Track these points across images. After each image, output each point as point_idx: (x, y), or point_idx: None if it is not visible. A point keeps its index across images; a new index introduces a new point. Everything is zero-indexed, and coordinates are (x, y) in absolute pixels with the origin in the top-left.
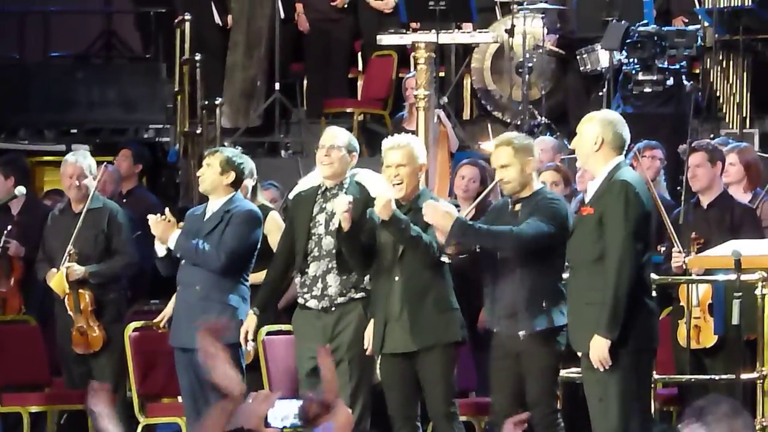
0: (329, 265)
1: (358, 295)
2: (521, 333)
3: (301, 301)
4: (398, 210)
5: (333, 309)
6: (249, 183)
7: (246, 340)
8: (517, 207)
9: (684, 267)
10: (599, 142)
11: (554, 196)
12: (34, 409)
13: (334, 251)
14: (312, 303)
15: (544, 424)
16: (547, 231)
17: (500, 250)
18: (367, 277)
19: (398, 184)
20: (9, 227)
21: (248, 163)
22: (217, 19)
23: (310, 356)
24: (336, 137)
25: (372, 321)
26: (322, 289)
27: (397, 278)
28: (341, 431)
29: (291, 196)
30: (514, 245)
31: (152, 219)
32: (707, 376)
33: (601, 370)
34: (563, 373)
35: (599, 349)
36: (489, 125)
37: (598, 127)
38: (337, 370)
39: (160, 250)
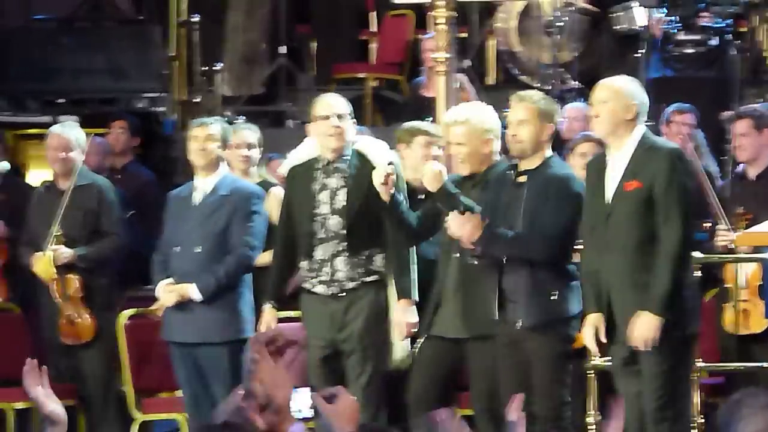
0: (338, 248)
1: (370, 279)
2: (520, 323)
3: (308, 286)
4: (449, 182)
5: (342, 295)
6: (255, 154)
7: None
8: (522, 178)
9: (730, 245)
10: (633, 111)
11: (566, 173)
12: (19, 405)
13: (343, 232)
14: (320, 288)
15: (549, 417)
16: (570, 219)
17: (531, 258)
18: (380, 258)
19: (462, 162)
20: None
21: (256, 133)
22: None
23: (320, 345)
24: (339, 105)
25: (397, 303)
26: (331, 274)
27: (456, 255)
28: (345, 420)
29: (283, 171)
30: (546, 251)
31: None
32: (756, 364)
33: (643, 349)
34: (598, 361)
35: (648, 328)
36: None
37: (629, 95)
38: (347, 362)
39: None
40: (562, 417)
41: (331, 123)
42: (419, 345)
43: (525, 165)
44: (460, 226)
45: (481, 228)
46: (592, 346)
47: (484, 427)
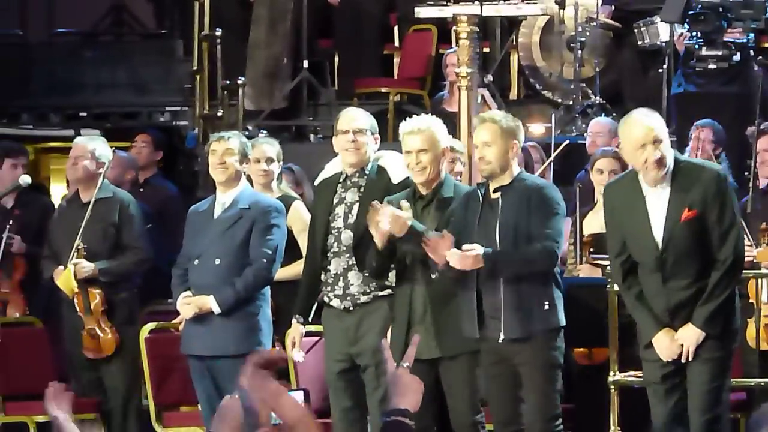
0: (350, 262)
1: (384, 293)
2: (512, 336)
3: (326, 299)
4: (416, 222)
5: (355, 309)
6: (275, 168)
7: (294, 349)
8: (495, 195)
9: (754, 260)
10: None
11: (541, 182)
12: (40, 418)
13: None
14: (335, 302)
15: (542, 430)
16: (561, 226)
17: (539, 271)
18: (393, 274)
19: (420, 170)
20: (10, 222)
21: (275, 147)
22: None
23: (336, 359)
24: (360, 120)
25: (390, 329)
26: (344, 288)
27: (419, 281)
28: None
29: (316, 183)
30: (548, 266)
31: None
32: None
33: (683, 360)
34: (620, 376)
35: (693, 341)
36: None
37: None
38: (364, 375)
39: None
40: (555, 429)
41: (348, 138)
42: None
43: (496, 183)
44: (462, 261)
45: (481, 260)
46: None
47: None
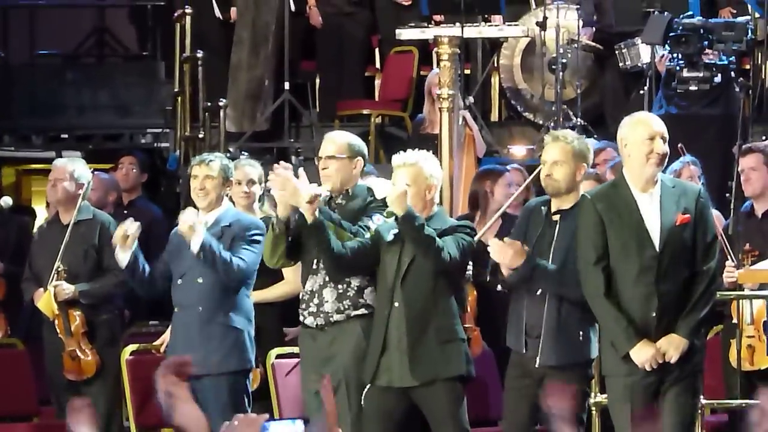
0: (326, 279)
1: (357, 313)
2: (548, 363)
3: (301, 318)
4: (326, 209)
5: (328, 328)
6: (257, 190)
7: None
8: (556, 217)
9: (736, 281)
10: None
11: None
12: None
13: None
14: (309, 320)
15: None
16: None
17: (568, 297)
18: (369, 292)
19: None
20: None
21: (257, 169)
22: (217, 12)
23: (311, 379)
24: (334, 146)
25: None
26: (318, 305)
27: (397, 304)
28: None
29: None
30: (580, 294)
31: (190, 213)
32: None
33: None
34: (601, 398)
35: (679, 350)
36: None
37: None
38: (336, 396)
39: (123, 260)
40: None
41: (321, 165)
42: (365, 394)
43: (558, 204)
44: (502, 251)
45: (524, 255)
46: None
47: None
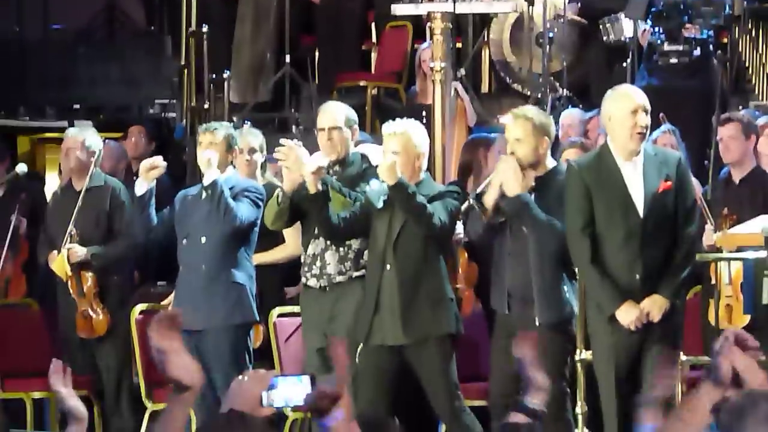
0: (327, 243)
1: (358, 274)
2: (536, 321)
3: (303, 279)
4: (330, 179)
5: (331, 289)
6: (258, 158)
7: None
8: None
9: (715, 244)
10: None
11: None
12: (36, 395)
13: None
14: (312, 282)
15: (551, 410)
16: None
17: (545, 242)
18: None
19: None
20: (18, 205)
21: (258, 138)
22: None
23: (314, 336)
24: (335, 117)
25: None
26: (321, 268)
27: (389, 267)
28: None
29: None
30: (558, 240)
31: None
32: None
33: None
34: (587, 355)
35: (660, 309)
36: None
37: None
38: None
39: (140, 189)
40: (565, 408)
41: (324, 136)
42: (359, 352)
43: (531, 175)
44: (514, 172)
45: (525, 184)
46: (637, 324)
47: (451, 424)
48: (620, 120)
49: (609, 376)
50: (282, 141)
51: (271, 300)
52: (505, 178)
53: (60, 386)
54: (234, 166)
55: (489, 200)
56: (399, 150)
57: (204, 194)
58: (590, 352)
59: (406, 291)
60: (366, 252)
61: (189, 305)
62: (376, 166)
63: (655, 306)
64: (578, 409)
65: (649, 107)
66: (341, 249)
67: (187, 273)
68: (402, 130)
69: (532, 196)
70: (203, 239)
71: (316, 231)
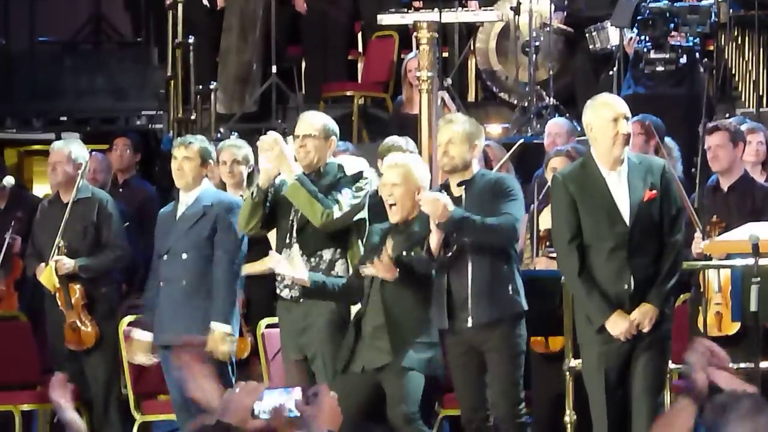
0: (298, 253)
1: None
2: (481, 321)
3: (277, 291)
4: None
5: (302, 300)
6: (243, 170)
7: None
8: (458, 190)
9: (703, 252)
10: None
11: (500, 175)
12: (25, 407)
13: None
14: (284, 293)
15: (507, 417)
16: (521, 212)
17: (493, 243)
18: (340, 264)
19: (392, 205)
20: (12, 222)
21: (243, 149)
22: (204, 0)
23: (290, 349)
24: (311, 125)
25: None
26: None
27: (375, 297)
28: (327, 419)
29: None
30: (507, 238)
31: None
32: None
33: (645, 330)
34: (575, 363)
35: (649, 318)
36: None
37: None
38: (313, 366)
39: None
40: (520, 415)
41: (297, 143)
42: (335, 379)
43: (457, 179)
44: (431, 203)
45: (449, 212)
46: (626, 335)
47: None
48: (602, 129)
49: (599, 385)
50: (269, 132)
51: (260, 311)
52: (431, 212)
53: (61, 398)
54: (209, 178)
55: (434, 243)
56: (399, 182)
57: (185, 220)
58: (579, 360)
59: (390, 333)
60: (337, 263)
61: (169, 320)
62: (351, 176)
63: (645, 316)
64: (567, 418)
65: (630, 115)
66: (312, 259)
67: (167, 287)
68: (403, 162)
69: (462, 197)
70: (184, 255)
71: (288, 239)
